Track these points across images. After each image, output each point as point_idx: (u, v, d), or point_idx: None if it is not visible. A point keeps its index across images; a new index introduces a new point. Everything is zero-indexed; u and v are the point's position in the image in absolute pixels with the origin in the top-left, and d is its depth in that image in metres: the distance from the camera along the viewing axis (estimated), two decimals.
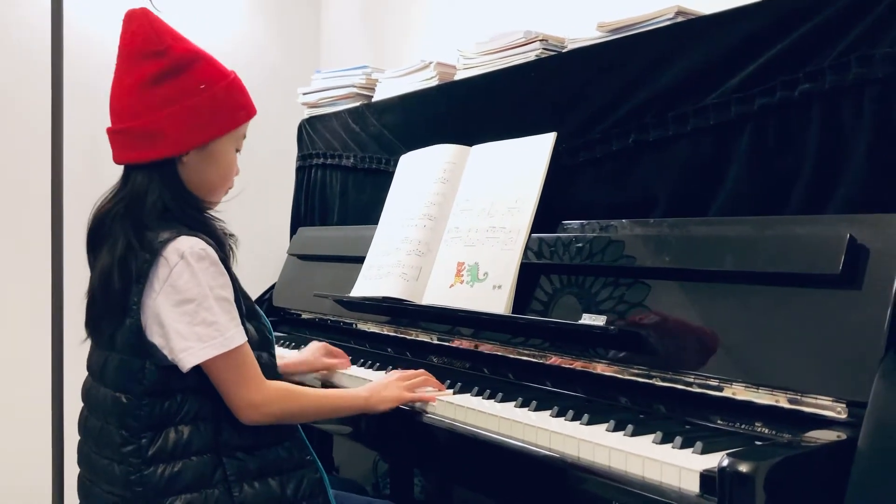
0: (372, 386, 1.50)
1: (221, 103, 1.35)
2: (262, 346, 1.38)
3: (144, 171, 1.33)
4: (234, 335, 1.27)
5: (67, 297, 2.24)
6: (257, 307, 1.42)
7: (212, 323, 1.25)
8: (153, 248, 1.26)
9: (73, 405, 1.49)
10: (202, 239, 1.29)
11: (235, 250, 1.40)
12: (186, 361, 1.24)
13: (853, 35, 1.27)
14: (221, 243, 1.35)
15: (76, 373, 1.50)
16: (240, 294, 1.34)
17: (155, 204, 1.31)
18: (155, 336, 1.26)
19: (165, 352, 1.26)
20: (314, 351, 1.80)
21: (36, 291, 2.48)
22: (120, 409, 1.27)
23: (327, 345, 1.83)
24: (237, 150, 1.43)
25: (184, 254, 1.25)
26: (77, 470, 1.42)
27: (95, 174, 2.65)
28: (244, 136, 1.43)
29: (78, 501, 1.43)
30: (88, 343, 1.42)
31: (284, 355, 1.80)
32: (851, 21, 1.28)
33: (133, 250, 1.27)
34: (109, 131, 1.38)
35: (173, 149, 1.32)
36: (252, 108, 1.42)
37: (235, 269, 1.36)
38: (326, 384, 1.75)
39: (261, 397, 1.30)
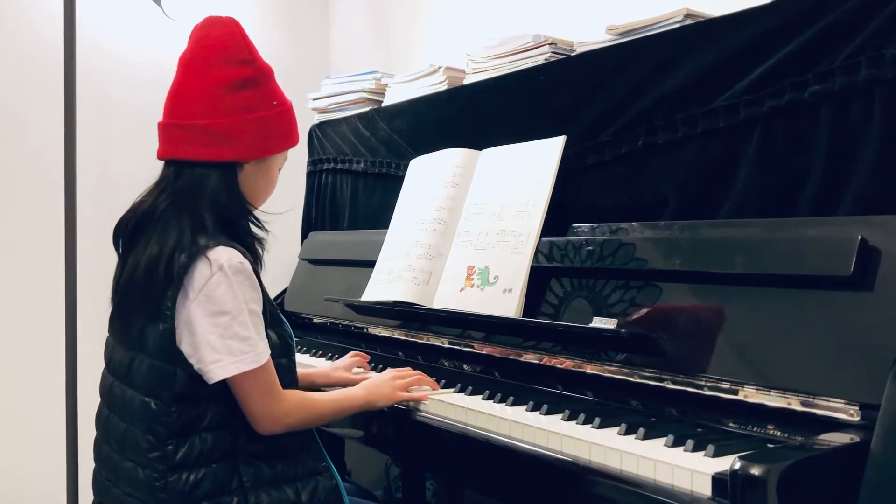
0: (367, 384, 1.52)
1: (285, 123, 1.42)
2: (283, 351, 1.38)
3: (204, 169, 1.34)
4: (262, 350, 1.28)
5: (81, 296, 2.26)
6: (280, 314, 1.42)
7: (245, 338, 1.26)
8: (191, 253, 1.26)
9: (87, 405, 1.50)
10: (238, 250, 1.29)
11: (262, 255, 1.40)
12: (215, 374, 1.25)
13: (863, 36, 1.27)
14: (254, 253, 1.36)
15: (90, 373, 1.51)
16: (267, 301, 1.35)
17: (211, 201, 1.33)
18: (183, 344, 1.26)
19: (192, 360, 1.26)
20: (336, 365, 1.78)
21: (50, 293, 2.51)
22: (148, 415, 1.27)
23: (353, 359, 1.80)
24: (279, 169, 1.47)
25: (222, 265, 1.25)
26: (91, 465, 1.43)
27: (107, 176, 2.69)
28: (286, 158, 1.48)
29: (91, 496, 1.43)
30: (102, 341, 1.42)
31: (314, 365, 1.81)
32: (861, 21, 1.27)
33: (182, 248, 1.27)
34: (167, 126, 1.37)
35: (243, 154, 1.36)
36: (298, 135, 1.48)
37: (261, 276, 1.37)
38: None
39: (282, 410, 1.31)
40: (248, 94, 1.35)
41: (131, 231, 1.35)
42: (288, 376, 1.38)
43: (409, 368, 1.61)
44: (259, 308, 1.30)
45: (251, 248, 1.37)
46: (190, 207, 1.31)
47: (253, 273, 1.30)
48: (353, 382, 1.71)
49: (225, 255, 1.26)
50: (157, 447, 1.25)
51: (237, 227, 1.35)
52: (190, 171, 1.34)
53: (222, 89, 1.34)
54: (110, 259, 1.43)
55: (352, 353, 1.83)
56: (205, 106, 1.34)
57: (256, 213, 1.44)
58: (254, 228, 1.40)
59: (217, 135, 1.33)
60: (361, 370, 1.78)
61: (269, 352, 1.30)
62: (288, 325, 1.43)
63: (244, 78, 1.35)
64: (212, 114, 1.33)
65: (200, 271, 1.25)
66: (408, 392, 1.52)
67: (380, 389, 1.50)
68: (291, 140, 1.45)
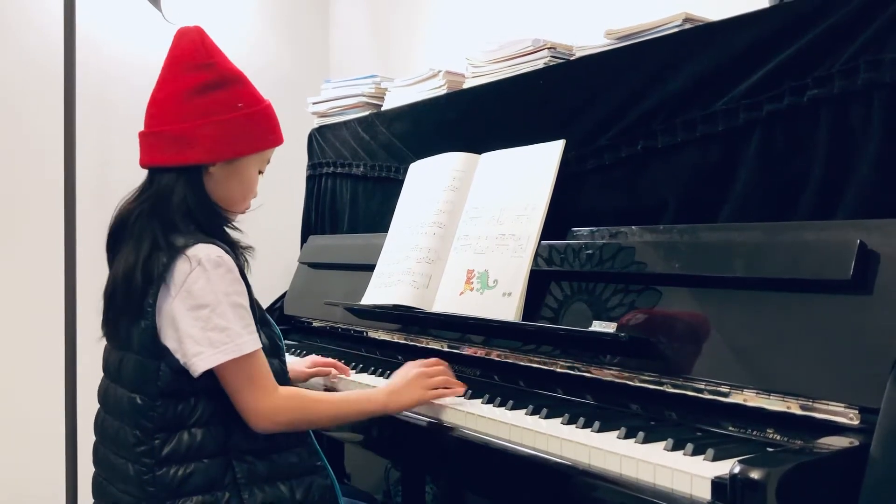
0: (390, 388, 1.45)
1: (254, 125, 1.41)
2: (272, 352, 1.40)
3: (171, 174, 1.36)
4: (246, 341, 1.29)
5: (80, 300, 2.27)
6: (268, 315, 1.44)
7: (224, 329, 1.27)
8: (171, 252, 1.29)
9: (86, 407, 1.50)
10: (219, 246, 1.31)
11: (249, 262, 1.41)
12: (198, 366, 1.26)
13: (861, 40, 1.27)
14: (236, 253, 1.37)
15: (89, 375, 1.52)
16: (253, 302, 1.36)
17: (180, 205, 1.34)
18: (168, 340, 1.28)
19: (178, 356, 1.28)
20: (304, 362, 1.82)
21: (50, 295, 2.51)
22: (135, 410, 1.29)
23: (316, 358, 1.84)
24: (260, 172, 1.47)
25: (200, 260, 1.28)
26: (91, 469, 1.44)
27: (107, 180, 2.70)
28: (268, 161, 1.48)
29: (91, 500, 1.44)
30: (102, 344, 1.44)
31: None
32: (860, 25, 1.27)
33: (158, 250, 1.29)
34: (142, 134, 1.41)
35: (202, 157, 1.36)
36: (280, 136, 1.47)
37: (248, 278, 1.38)
38: (330, 390, 1.76)
39: (271, 405, 1.31)
40: (209, 98, 1.37)
41: (112, 239, 1.40)
42: (279, 378, 1.38)
43: (436, 359, 1.53)
44: (244, 301, 1.31)
45: (234, 249, 1.38)
46: (161, 213, 1.34)
47: (235, 266, 1.31)
48: (321, 374, 1.78)
49: (204, 251, 1.29)
50: (143, 442, 1.27)
51: (210, 231, 1.36)
52: (160, 177, 1.37)
53: (184, 95, 1.36)
54: None
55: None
56: (169, 112, 1.37)
57: (238, 214, 1.46)
58: (229, 232, 1.42)
59: (179, 139, 1.36)
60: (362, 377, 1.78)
61: (259, 345, 1.31)
62: (276, 326, 1.44)
63: (204, 82, 1.37)
64: (175, 119, 1.36)
65: (180, 268, 1.28)
66: (433, 393, 1.45)
67: (404, 395, 1.43)
68: (263, 142, 1.43)
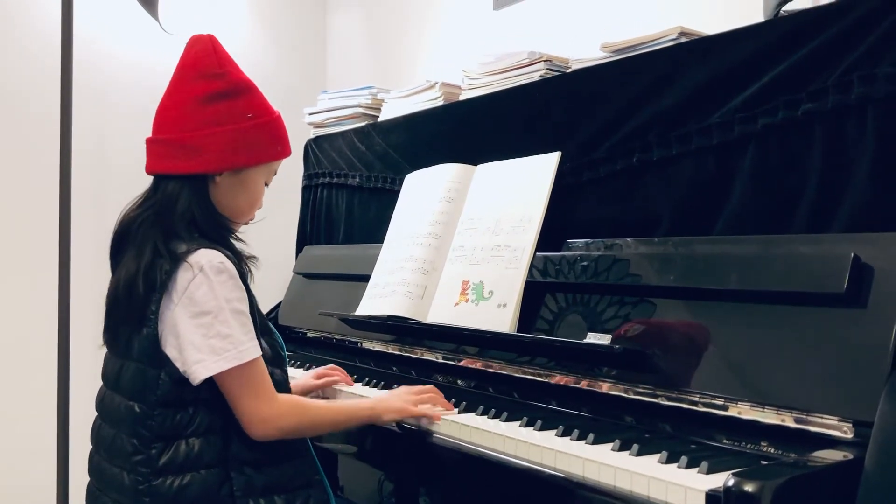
0: (378, 397, 1.51)
1: (263, 136, 1.40)
2: (274, 362, 1.39)
3: (177, 182, 1.36)
4: (248, 349, 1.28)
5: (74, 305, 2.26)
6: (270, 324, 1.44)
7: (226, 336, 1.26)
8: (174, 259, 1.28)
9: (79, 413, 1.50)
10: (221, 252, 1.31)
11: (253, 271, 1.41)
12: (199, 373, 1.26)
13: (856, 54, 1.28)
14: (239, 260, 1.37)
15: (82, 382, 1.51)
16: (255, 310, 1.36)
17: (184, 214, 1.34)
18: (169, 347, 1.28)
19: (178, 364, 1.27)
20: (307, 375, 1.82)
21: (43, 299, 2.50)
22: (132, 418, 1.28)
23: (320, 369, 1.84)
24: (266, 184, 1.46)
25: (203, 266, 1.27)
26: (86, 479, 1.43)
27: (103, 183, 2.69)
28: (275, 173, 1.48)
29: None
30: (97, 353, 1.44)
31: (294, 376, 1.81)
32: (854, 40, 1.28)
33: (160, 258, 1.29)
34: (149, 141, 1.41)
35: (209, 166, 1.36)
36: (289, 148, 1.46)
37: (251, 286, 1.38)
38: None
39: (272, 411, 1.30)
40: (219, 107, 1.36)
41: (115, 245, 1.39)
42: (281, 388, 1.37)
43: (431, 387, 1.55)
44: (245, 307, 1.31)
45: (237, 256, 1.38)
46: (164, 221, 1.33)
47: (237, 273, 1.31)
48: (327, 384, 1.76)
49: (206, 257, 1.28)
50: (140, 451, 1.27)
51: (213, 240, 1.35)
52: (165, 184, 1.37)
53: (193, 103, 1.36)
54: (104, 267, 1.44)
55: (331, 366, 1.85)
56: (177, 120, 1.37)
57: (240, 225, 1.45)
58: (232, 242, 1.41)
59: (186, 147, 1.35)
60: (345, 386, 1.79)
61: (259, 353, 1.30)
62: (278, 335, 1.44)
63: (214, 91, 1.37)
64: (183, 127, 1.36)
65: (183, 275, 1.28)
66: (419, 409, 1.46)
67: (390, 402, 1.47)
68: (271, 153, 1.42)
